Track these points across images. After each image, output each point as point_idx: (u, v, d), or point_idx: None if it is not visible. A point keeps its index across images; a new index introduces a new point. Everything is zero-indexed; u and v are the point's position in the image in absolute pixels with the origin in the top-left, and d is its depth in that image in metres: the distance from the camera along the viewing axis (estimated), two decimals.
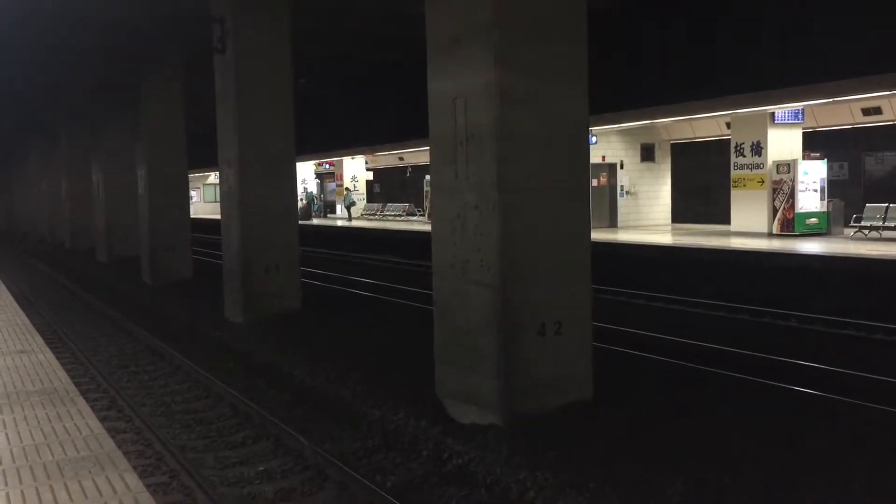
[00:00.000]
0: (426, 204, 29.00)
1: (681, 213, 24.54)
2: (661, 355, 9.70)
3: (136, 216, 20.19)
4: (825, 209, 18.67)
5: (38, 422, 5.23)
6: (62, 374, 6.78)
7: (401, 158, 35.34)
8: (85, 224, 27.48)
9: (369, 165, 38.20)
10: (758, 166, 19.41)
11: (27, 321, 10.11)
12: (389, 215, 34.18)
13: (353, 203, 34.92)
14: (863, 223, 17.72)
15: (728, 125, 20.77)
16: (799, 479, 5.34)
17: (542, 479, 5.57)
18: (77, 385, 7.19)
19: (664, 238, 19.32)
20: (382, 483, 6.00)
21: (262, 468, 6.58)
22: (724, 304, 13.56)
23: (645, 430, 6.41)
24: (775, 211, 18.83)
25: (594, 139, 21.75)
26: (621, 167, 23.55)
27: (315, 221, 34.33)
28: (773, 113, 18.84)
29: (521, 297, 6.72)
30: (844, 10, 11.05)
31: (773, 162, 18.96)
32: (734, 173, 20.01)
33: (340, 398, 8.18)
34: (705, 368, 9.00)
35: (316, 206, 37.88)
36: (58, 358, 8.00)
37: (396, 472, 6.25)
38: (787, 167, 18.63)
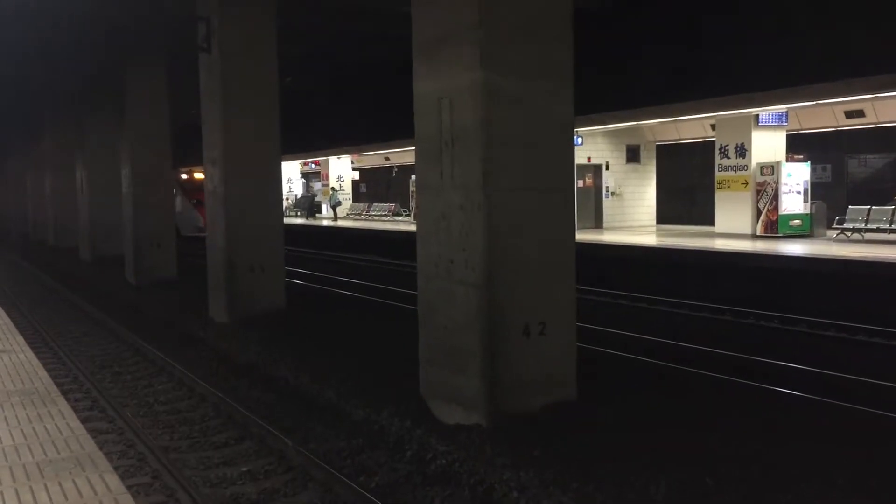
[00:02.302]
0: (412, 204, 28.98)
1: (666, 215, 24.65)
2: (645, 356, 9.76)
3: (121, 214, 20.03)
4: (808, 211, 18.81)
5: (19, 422, 5.18)
6: (43, 374, 6.72)
7: (387, 158, 35.30)
8: (68, 221, 27.23)
9: (355, 165, 38.10)
10: (742, 168, 19.52)
11: (8, 320, 10.02)
12: (375, 215, 34.09)
13: (339, 203, 34.84)
14: (845, 225, 17.87)
15: (713, 127, 20.88)
16: (781, 479, 5.37)
17: (525, 478, 5.58)
18: (59, 385, 7.14)
19: (649, 239, 19.40)
20: (366, 483, 5.99)
21: (245, 469, 6.55)
22: (707, 304, 13.63)
23: (629, 430, 6.43)
24: (759, 212, 18.96)
25: (580, 140, 21.81)
26: (607, 168, 23.62)
27: (299, 221, 34.19)
28: (758, 115, 18.96)
29: (505, 298, 6.72)
30: (827, 14, 11.13)
31: (757, 164, 19.08)
32: (718, 175, 20.12)
33: (325, 398, 8.17)
34: (688, 369, 9.06)
35: (310, 205, 37.58)
36: (39, 358, 7.93)
37: (380, 473, 6.24)
38: (771, 169, 18.76)
